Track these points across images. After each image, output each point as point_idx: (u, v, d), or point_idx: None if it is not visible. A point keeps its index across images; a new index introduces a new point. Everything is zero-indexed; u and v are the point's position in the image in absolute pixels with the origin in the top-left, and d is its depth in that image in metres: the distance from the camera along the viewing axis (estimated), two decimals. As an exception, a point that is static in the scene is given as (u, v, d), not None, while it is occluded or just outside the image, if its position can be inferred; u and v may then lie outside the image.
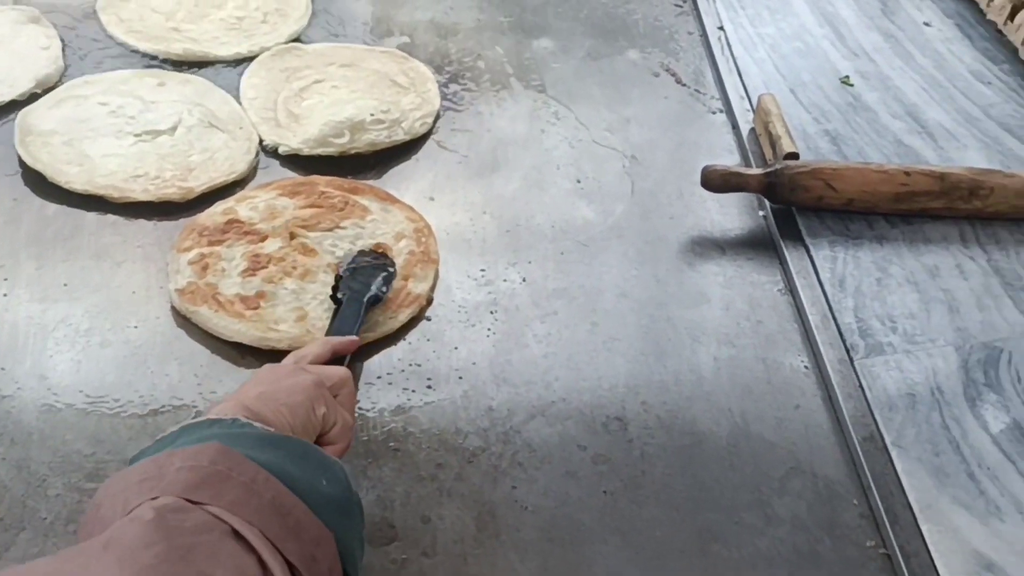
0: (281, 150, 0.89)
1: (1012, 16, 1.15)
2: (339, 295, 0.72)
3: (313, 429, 0.55)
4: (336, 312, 0.71)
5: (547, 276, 0.80)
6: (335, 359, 0.64)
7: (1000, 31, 1.18)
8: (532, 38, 1.11)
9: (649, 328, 0.76)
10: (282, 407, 0.54)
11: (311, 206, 0.81)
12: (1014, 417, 0.70)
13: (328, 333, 0.69)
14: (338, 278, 0.73)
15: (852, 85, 1.07)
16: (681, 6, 1.20)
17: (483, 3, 1.15)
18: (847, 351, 0.75)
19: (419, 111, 0.95)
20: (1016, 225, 0.89)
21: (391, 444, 0.65)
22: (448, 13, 1.13)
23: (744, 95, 1.03)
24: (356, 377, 0.67)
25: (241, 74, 0.97)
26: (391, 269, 0.76)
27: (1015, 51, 1.14)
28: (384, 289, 0.73)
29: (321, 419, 0.56)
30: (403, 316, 0.74)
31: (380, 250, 0.78)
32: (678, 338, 0.76)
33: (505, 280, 0.79)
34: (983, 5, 1.21)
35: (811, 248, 0.84)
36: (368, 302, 0.71)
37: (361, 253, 0.77)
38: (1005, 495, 0.65)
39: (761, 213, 0.89)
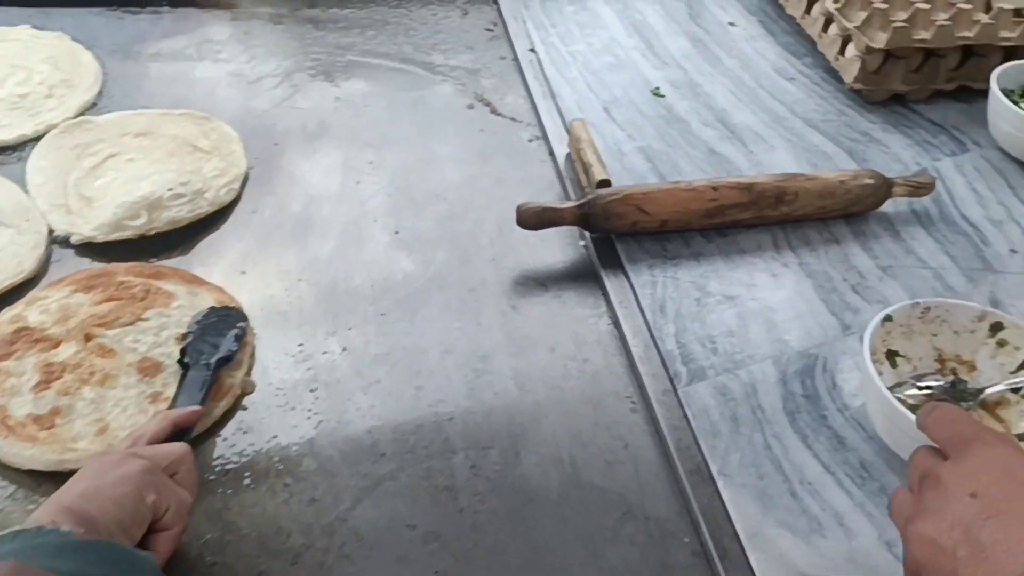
0: (73, 239, 0.83)
1: (809, 9, 1.19)
2: (186, 359, 0.71)
3: (143, 519, 0.55)
4: (181, 379, 0.69)
5: (368, 342, 0.78)
6: (177, 433, 0.63)
7: (800, 24, 1.21)
8: (342, 81, 1.09)
9: (474, 385, 0.75)
10: (107, 502, 0.53)
11: (108, 300, 0.76)
12: (830, 426, 0.72)
13: (172, 403, 0.68)
14: (185, 342, 0.72)
15: (663, 96, 1.09)
16: (492, 30, 1.20)
17: (287, 49, 1.12)
18: (670, 380, 0.75)
19: (224, 177, 0.91)
20: (824, 224, 0.92)
21: (207, 559, 0.62)
22: (250, 63, 1.09)
23: (560, 120, 1.03)
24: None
25: (27, 158, 0.91)
26: (242, 324, 0.75)
27: (815, 43, 1.18)
28: (234, 347, 0.73)
29: (151, 507, 0.55)
30: (217, 411, 0.71)
31: (233, 305, 0.77)
32: (505, 390, 0.75)
33: (325, 352, 0.77)
34: (782, 0, 1.25)
35: (631, 275, 0.85)
36: (216, 364, 0.70)
37: (212, 310, 0.75)
38: (826, 509, 0.66)
39: (582, 243, 0.89)
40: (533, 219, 0.85)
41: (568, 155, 0.98)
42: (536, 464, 0.70)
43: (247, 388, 0.73)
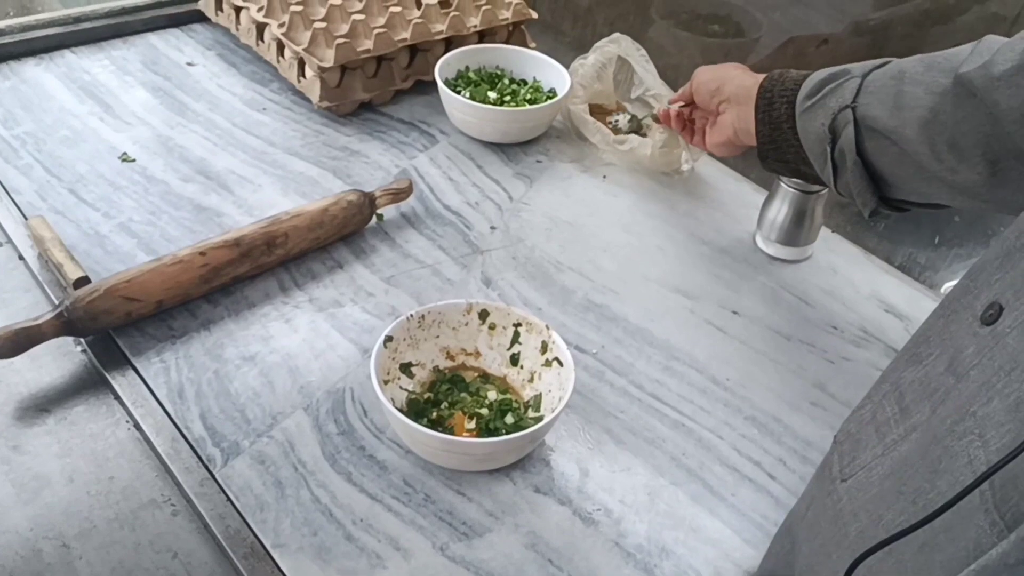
0: None
1: (261, 36, 1.20)
2: None
3: None
4: None
5: None
6: None
7: (258, 52, 1.21)
8: None
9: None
10: None
11: None
12: (371, 455, 0.75)
13: None
14: None
15: (134, 160, 1.03)
16: (-87, 130, 1.04)
17: None
18: (206, 467, 0.73)
19: None
20: (326, 252, 0.94)
21: None
22: None
23: (22, 218, 0.93)
24: None
25: None
26: None
27: (276, 68, 1.19)
28: None
29: None
30: None
31: None
32: (26, 552, 0.67)
33: None
34: (234, 30, 1.24)
35: (139, 368, 0.80)
36: None
37: None
38: (382, 540, 0.69)
39: (79, 348, 0.82)
40: (7, 346, 0.76)
41: (40, 256, 0.89)
42: (80, 617, 0.64)
43: None
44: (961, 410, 0.46)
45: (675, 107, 1.03)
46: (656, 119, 1.08)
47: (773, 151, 0.86)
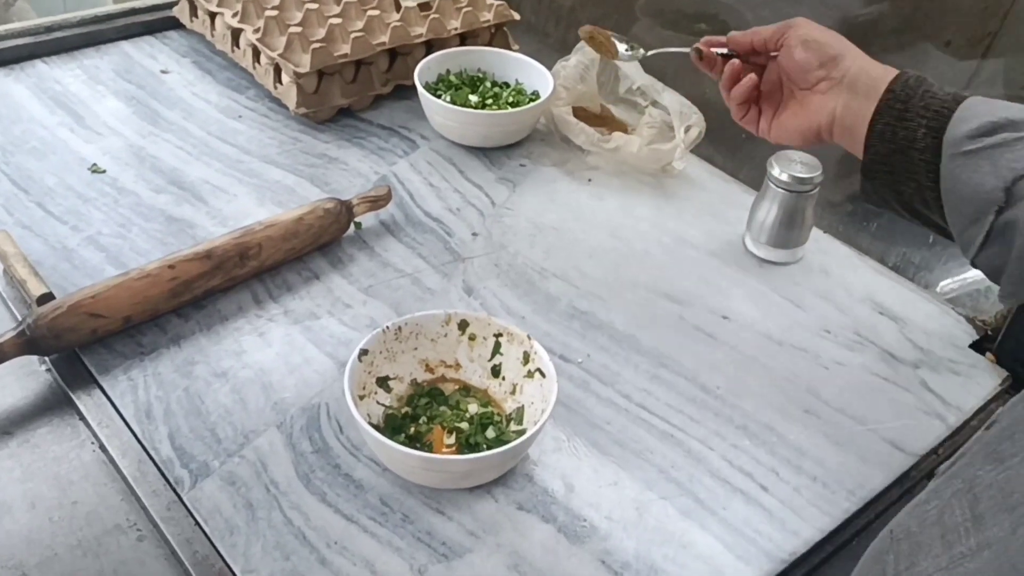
0: None
1: (236, 43, 1.17)
2: None
3: None
4: None
5: None
6: None
7: (234, 59, 1.19)
8: None
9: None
10: None
11: None
12: (346, 474, 0.72)
13: None
14: None
15: (104, 171, 1.00)
16: None
17: None
18: (174, 489, 0.70)
19: None
20: (302, 262, 0.92)
21: None
22: None
23: (-16, 231, 0.90)
24: None
25: None
26: None
27: (252, 75, 1.16)
28: None
29: None
30: None
31: None
32: (-18, 579, 0.64)
33: None
34: (209, 37, 1.21)
35: (105, 387, 0.77)
36: None
37: None
38: (357, 562, 0.66)
39: (43, 367, 0.79)
40: (-35, 367, 0.73)
41: (4, 272, 0.86)
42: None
43: None
44: None
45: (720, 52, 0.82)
46: (700, 55, 0.83)
47: (886, 175, 0.70)
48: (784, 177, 0.93)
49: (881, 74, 0.72)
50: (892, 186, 0.70)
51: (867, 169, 0.71)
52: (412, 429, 0.74)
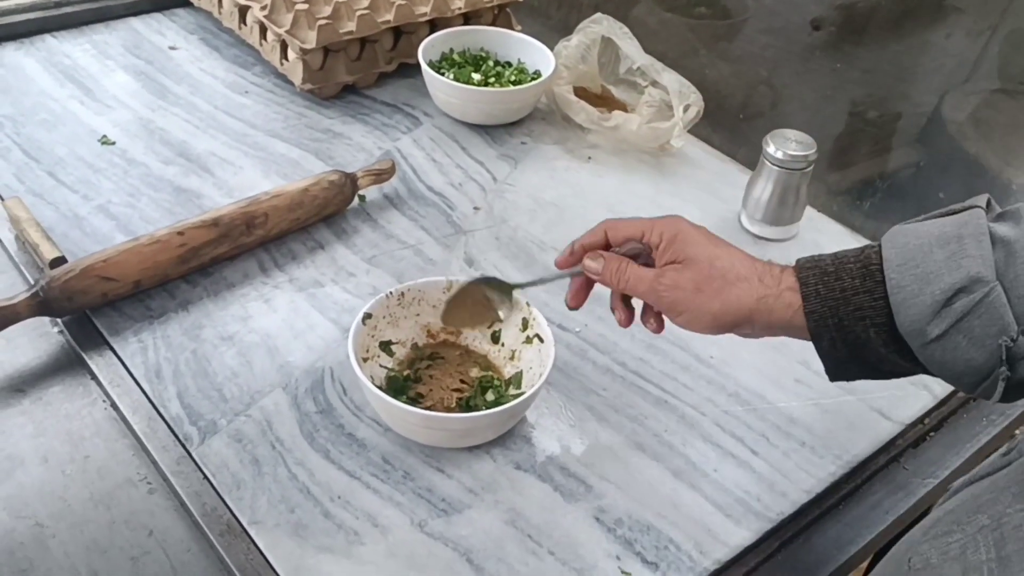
0: None
1: (243, 19, 1.19)
2: None
3: None
4: None
5: None
6: None
7: (240, 35, 1.21)
8: None
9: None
10: None
11: None
12: (349, 433, 0.74)
13: None
14: None
15: (114, 143, 1.02)
16: None
17: None
18: (183, 445, 0.72)
19: None
20: (307, 232, 0.94)
21: None
22: None
23: (-2, 199, 0.93)
24: None
25: None
26: None
27: (259, 51, 1.18)
28: None
29: None
30: None
31: None
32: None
33: None
34: (216, 14, 1.23)
35: (116, 348, 0.79)
36: None
37: None
38: (359, 516, 0.68)
39: (56, 328, 0.82)
40: (-18, 325, 0.75)
41: (17, 237, 0.89)
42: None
43: None
44: None
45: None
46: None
47: (858, 372, 0.62)
48: (779, 155, 0.95)
49: (751, 284, 0.65)
50: (870, 375, 0.63)
51: (834, 374, 0.63)
52: (413, 391, 0.76)
